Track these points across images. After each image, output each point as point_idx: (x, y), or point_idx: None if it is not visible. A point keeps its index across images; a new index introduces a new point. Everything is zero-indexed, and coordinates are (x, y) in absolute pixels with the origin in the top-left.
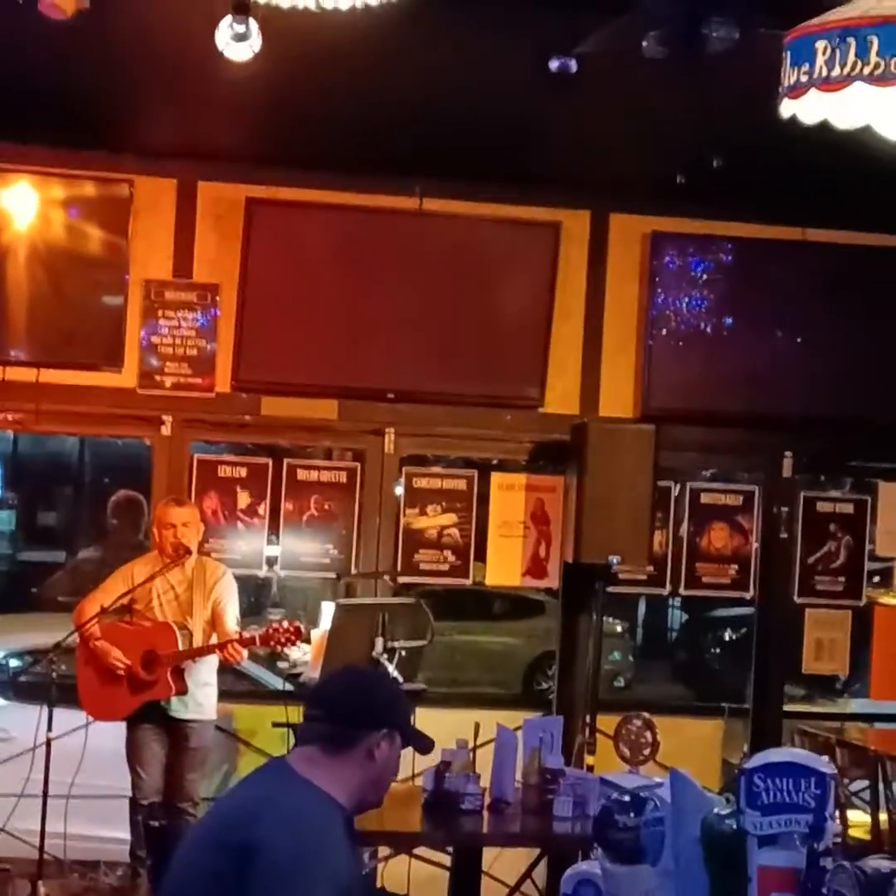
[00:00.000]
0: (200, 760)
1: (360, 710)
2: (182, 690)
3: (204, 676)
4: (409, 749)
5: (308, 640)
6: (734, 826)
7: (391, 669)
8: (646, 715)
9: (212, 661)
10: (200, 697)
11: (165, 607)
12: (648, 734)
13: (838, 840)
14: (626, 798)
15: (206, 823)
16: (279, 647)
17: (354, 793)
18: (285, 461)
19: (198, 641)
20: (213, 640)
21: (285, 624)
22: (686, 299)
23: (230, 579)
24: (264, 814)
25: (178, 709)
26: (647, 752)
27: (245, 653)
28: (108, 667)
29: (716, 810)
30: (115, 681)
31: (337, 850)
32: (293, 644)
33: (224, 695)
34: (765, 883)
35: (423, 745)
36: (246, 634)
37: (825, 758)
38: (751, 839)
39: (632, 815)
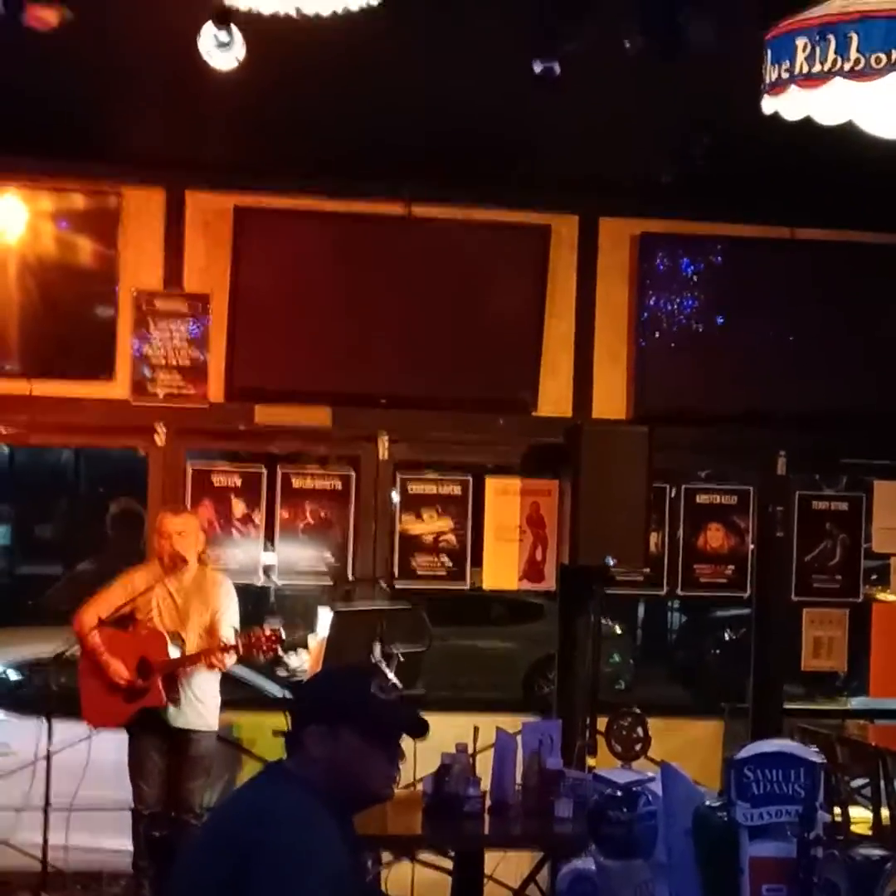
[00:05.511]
0: (202, 770)
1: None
2: (174, 699)
3: (205, 686)
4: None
5: (306, 647)
6: (725, 818)
7: (390, 675)
8: (636, 710)
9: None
10: (201, 707)
11: (164, 616)
12: (640, 730)
13: (840, 837)
14: (619, 793)
15: (206, 830)
16: (261, 655)
17: (331, 790)
18: (280, 469)
19: (191, 651)
20: None
21: (267, 631)
22: (677, 300)
23: (229, 589)
24: (259, 816)
25: (179, 718)
26: (638, 747)
27: (231, 661)
28: (109, 679)
29: (707, 803)
30: (112, 690)
31: (329, 847)
32: (274, 651)
33: (224, 703)
34: (757, 874)
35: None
36: (227, 642)
37: (814, 748)
38: (742, 830)
39: (624, 809)
